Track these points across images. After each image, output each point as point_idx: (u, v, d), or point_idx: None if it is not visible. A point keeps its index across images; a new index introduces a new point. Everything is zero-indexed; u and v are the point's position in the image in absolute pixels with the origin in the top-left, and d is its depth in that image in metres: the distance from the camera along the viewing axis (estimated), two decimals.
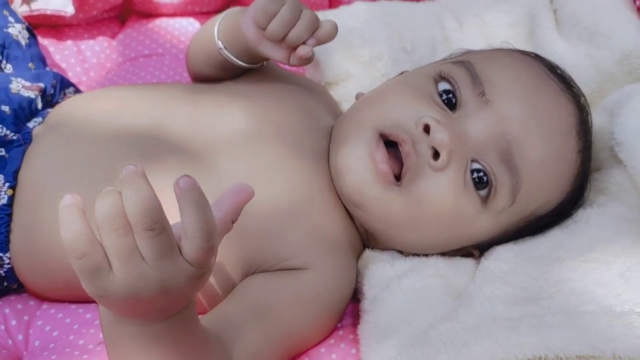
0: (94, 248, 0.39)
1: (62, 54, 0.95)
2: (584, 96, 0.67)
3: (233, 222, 0.45)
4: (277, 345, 0.55)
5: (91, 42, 0.98)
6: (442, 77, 0.62)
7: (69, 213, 0.39)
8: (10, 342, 0.62)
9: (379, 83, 0.77)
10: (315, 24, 0.60)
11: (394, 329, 0.54)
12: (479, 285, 0.56)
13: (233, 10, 0.69)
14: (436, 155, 0.58)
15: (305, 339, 0.58)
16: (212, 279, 0.59)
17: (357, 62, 0.82)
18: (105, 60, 0.97)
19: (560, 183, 0.62)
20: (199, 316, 0.60)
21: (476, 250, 0.65)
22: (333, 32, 0.60)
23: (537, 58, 0.68)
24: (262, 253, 0.59)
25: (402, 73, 0.74)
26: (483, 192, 0.60)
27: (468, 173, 0.59)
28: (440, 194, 0.59)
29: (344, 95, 0.81)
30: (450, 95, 0.61)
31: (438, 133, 0.57)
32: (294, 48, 0.60)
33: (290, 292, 0.57)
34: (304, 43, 0.60)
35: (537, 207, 0.62)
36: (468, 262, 0.64)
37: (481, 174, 0.59)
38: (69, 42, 0.96)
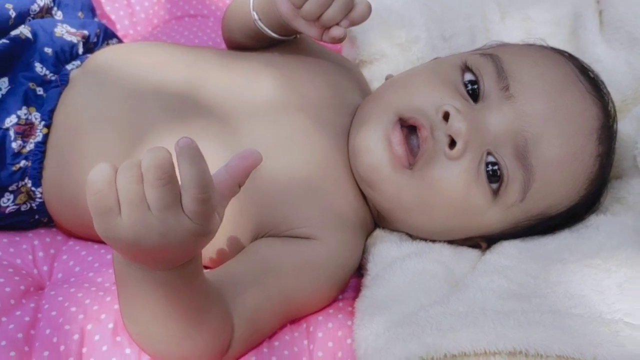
0: (110, 189, 0.42)
1: (113, 5, 0.98)
2: (612, 102, 0.66)
3: (240, 186, 0.48)
4: (276, 305, 0.58)
5: None
6: (468, 68, 0.63)
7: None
8: (35, 271, 0.66)
9: (413, 66, 0.78)
10: (350, 5, 0.60)
11: (388, 307, 0.56)
12: (476, 275, 0.57)
13: None
14: (452, 143, 0.59)
15: (303, 304, 0.60)
16: (223, 239, 0.62)
17: (393, 43, 0.82)
18: (152, 16, 1.00)
19: (575, 185, 0.62)
20: (206, 270, 0.64)
21: (484, 242, 0.66)
22: (366, 14, 0.61)
23: (570, 57, 0.67)
24: (273, 218, 0.61)
25: (435, 59, 0.74)
26: (495, 185, 0.60)
27: (482, 165, 0.60)
28: (452, 182, 0.60)
29: (376, 75, 0.82)
30: (475, 86, 0.62)
31: (456, 122, 0.58)
32: (327, 27, 0.61)
33: (295, 258, 0.60)
34: (337, 24, 0.60)
35: (548, 207, 0.63)
36: (473, 253, 0.65)
37: (495, 167, 0.60)
38: None
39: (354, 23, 0.61)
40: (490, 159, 0.60)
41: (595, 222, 0.64)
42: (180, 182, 0.43)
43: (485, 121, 0.60)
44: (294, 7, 0.61)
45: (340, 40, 0.62)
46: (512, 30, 0.84)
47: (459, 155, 0.59)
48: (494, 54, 0.64)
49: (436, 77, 0.63)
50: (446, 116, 0.59)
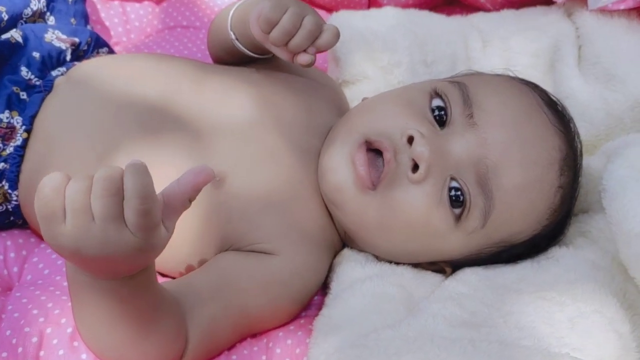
0: (57, 196, 0.43)
1: (108, 12, 1.00)
2: (578, 136, 0.67)
3: (190, 201, 0.49)
4: (233, 318, 0.59)
5: (137, 5, 1.03)
6: (437, 94, 0.64)
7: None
8: (5, 272, 0.67)
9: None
10: (316, 33, 0.60)
11: (342, 327, 0.57)
12: (430, 301, 0.58)
13: (247, 0, 0.71)
14: (415, 167, 0.60)
15: (261, 319, 0.61)
16: (186, 251, 0.63)
17: (376, 66, 0.84)
18: (146, 25, 1.02)
19: (535, 214, 0.63)
20: (167, 279, 0.65)
21: (449, 267, 0.67)
22: (333, 41, 0.62)
23: (536, 88, 0.68)
24: (235, 232, 0.62)
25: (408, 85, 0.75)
26: (457, 210, 0.61)
27: (445, 190, 0.61)
28: (413, 205, 0.61)
29: (357, 96, 0.83)
30: (442, 113, 0.63)
31: (419, 146, 0.59)
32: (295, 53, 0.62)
33: (255, 272, 0.61)
34: (304, 51, 0.61)
35: (509, 235, 0.63)
36: (436, 278, 0.66)
37: (458, 192, 0.61)
38: (116, 2, 1.01)
39: (320, 50, 0.62)
40: (454, 184, 0.61)
41: (557, 254, 0.65)
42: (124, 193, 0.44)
43: (448, 147, 0.61)
44: (263, 33, 0.62)
45: (308, 65, 0.62)
46: (493, 59, 0.85)
47: (421, 178, 0.60)
48: (462, 82, 0.65)
49: (404, 102, 0.64)
50: (410, 140, 0.60)
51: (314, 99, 0.73)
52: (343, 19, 0.87)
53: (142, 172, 0.44)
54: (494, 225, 0.61)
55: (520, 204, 0.62)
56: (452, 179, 0.61)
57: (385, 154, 0.60)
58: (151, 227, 0.45)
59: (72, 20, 0.83)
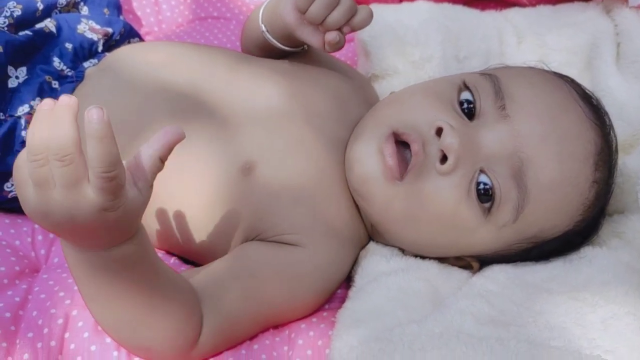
0: (21, 168, 0.45)
1: (140, 2, 1.01)
2: (613, 131, 0.65)
3: (162, 161, 0.48)
4: (253, 308, 0.58)
5: None
6: (466, 86, 0.63)
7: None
8: (33, 254, 0.68)
9: None
10: (353, 9, 0.61)
11: (366, 321, 0.56)
12: (458, 297, 0.57)
13: None
14: (444, 159, 0.59)
15: (283, 310, 0.61)
16: (213, 239, 0.63)
17: (407, 60, 0.83)
18: (177, 15, 1.02)
19: (569, 210, 0.61)
20: (190, 268, 0.65)
21: (476, 263, 0.65)
22: (367, 20, 0.62)
23: (571, 82, 0.66)
24: (263, 222, 0.62)
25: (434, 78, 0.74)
26: (486, 204, 0.60)
27: (474, 182, 0.60)
28: (441, 197, 0.60)
29: (386, 90, 0.82)
30: (471, 105, 0.62)
31: (449, 137, 0.58)
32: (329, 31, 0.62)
33: (278, 263, 0.60)
34: (339, 29, 0.61)
35: (541, 230, 0.62)
36: (463, 274, 0.65)
37: (487, 186, 0.59)
38: None
39: (354, 29, 0.62)
40: (483, 177, 0.60)
41: (590, 254, 0.63)
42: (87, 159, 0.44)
43: (479, 139, 0.60)
44: (299, 12, 0.62)
45: (337, 45, 0.62)
46: (528, 55, 0.83)
47: (449, 170, 0.59)
48: (493, 74, 0.64)
49: (432, 95, 0.63)
50: (439, 132, 0.59)
51: (344, 91, 0.72)
52: (374, 13, 0.85)
53: (105, 136, 0.43)
54: (526, 220, 0.60)
55: (555, 199, 0.60)
56: (482, 171, 0.60)
57: (413, 146, 0.60)
58: (116, 190, 0.44)
59: (105, 10, 0.83)
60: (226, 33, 0.98)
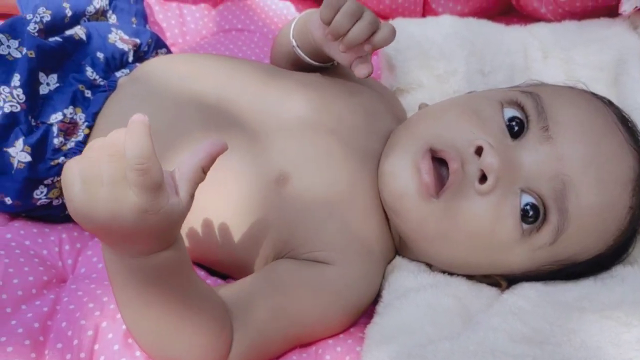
0: (72, 168, 0.46)
1: (165, 14, 1.02)
2: None
3: (204, 172, 0.49)
4: (283, 326, 0.58)
5: (193, 7, 1.04)
6: (511, 103, 0.62)
7: None
8: (60, 263, 0.68)
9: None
10: (375, 26, 0.61)
11: (395, 337, 0.55)
12: (490, 314, 0.56)
13: (310, 11, 0.72)
14: (483, 178, 0.59)
15: (313, 329, 0.60)
16: (244, 251, 0.63)
17: (431, 74, 0.83)
18: (201, 27, 1.03)
19: (605, 234, 0.61)
20: (221, 284, 0.64)
21: (504, 281, 0.65)
22: (390, 38, 0.62)
23: (609, 104, 0.66)
24: (295, 238, 0.62)
25: (470, 93, 0.74)
26: (526, 225, 0.59)
27: (516, 202, 0.59)
28: (479, 217, 0.59)
29: (411, 104, 0.83)
30: (514, 123, 0.61)
31: (489, 157, 0.58)
32: (354, 52, 0.62)
33: (310, 282, 0.60)
34: (361, 44, 0.61)
35: (576, 253, 0.61)
36: (492, 292, 0.64)
37: (528, 206, 0.59)
38: (174, 4, 1.03)
39: (376, 47, 0.62)
40: (527, 198, 0.59)
41: (622, 273, 0.63)
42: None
43: (520, 159, 0.59)
44: (325, 24, 0.62)
45: (366, 74, 0.63)
46: (554, 70, 0.83)
47: (489, 190, 0.58)
48: (534, 92, 0.63)
49: (471, 112, 0.63)
50: (479, 151, 0.59)
51: (373, 104, 0.72)
52: (399, 27, 0.85)
53: (143, 132, 0.45)
54: (563, 243, 0.59)
55: (593, 224, 0.59)
56: (524, 192, 0.59)
57: (451, 164, 0.59)
58: (152, 187, 0.45)
59: (133, 19, 0.84)
60: (250, 45, 0.99)
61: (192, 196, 0.49)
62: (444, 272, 0.66)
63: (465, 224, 0.59)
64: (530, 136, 0.60)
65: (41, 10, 0.73)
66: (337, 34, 0.61)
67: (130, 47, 0.76)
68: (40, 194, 0.69)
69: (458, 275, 0.65)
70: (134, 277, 0.50)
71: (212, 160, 0.49)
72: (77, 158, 0.47)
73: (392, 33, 0.62)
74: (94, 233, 0.50)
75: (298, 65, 0.74)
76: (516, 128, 0.61)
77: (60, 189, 0.70)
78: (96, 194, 0.45)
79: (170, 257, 0.50)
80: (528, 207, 0.59)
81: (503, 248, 0.60)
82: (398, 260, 0.68)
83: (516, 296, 0.59)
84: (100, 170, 0.45)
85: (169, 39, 1.00)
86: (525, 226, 0.59)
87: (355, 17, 0.61)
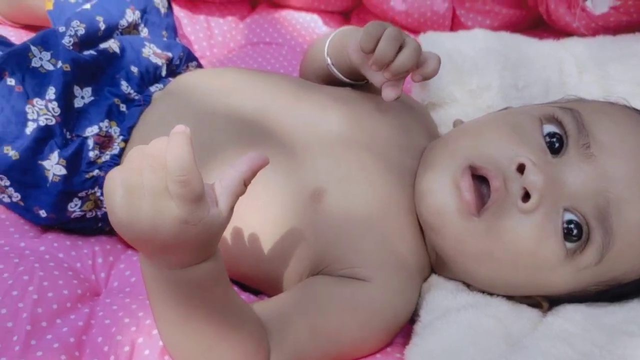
0: (114, 179, 0.46)
1: (194, 27, 1.02)
2: None
3: (246, 185, 0.49)
4: (320, 344, 0.57)
5: (221, 20, 1.04)
6: (550, 120, 0.61)
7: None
8: (93, 277, 0.68)
9: (482, 114, 0.77)
10: (419, 51, 0.61)
11: (438, 359, 0.54)
12: (537, 338, 0.55)
13: (345, 29, 0.72)
14: (526, 197, 0.58)
15: (349, 347, 0.59)
16: (279, 267, 0.62)
17: (464, 89, 0.82)
18: (229, 40, 1.03)
19: None
20: (257, 301, 0.64)
21: (546, 302, 0.64)
22: (437, 67, 0.62)
23: None
24: (330, 254, 0.61)
25: (506, 108, 0.73)
26: (570, 245, 0.58)
27: (559, 221, 0.58)
28: (521, 236, 0.58)
29: (443, 119, 0.82)
30: (555, 139, 0.60)
31: (532, 175, 0.57)
32: (395, 75, 0.61)
33: (347, 299, 0.59)
34: (408, 72, 0.61)
35: (622, 273, 0.60)
36: (533, 313, 0.63)
37: (572, 225, 0.58)
38: (202, 17, 1.03)
39: (426, 78, 0.62)
40: (569, 216, 0.58)
41: None
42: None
43: (563, 177, 0.58)
44: (365, 53, 0.61)
45: (393, 99, 0.62)
46: (590, 86, 0.82)
47: (532, 208, 0.57)
48: (575, 109, 0.62)
49: (511, 128, 0.62)
50: (521, 168, 0.58)
51: (406, 119, 0.72)
52: (431, 41, 0.86)
53: (184, 144, 0.44)
54: (608, 263, 0.58)
55: (639, 242, 0.58)
56: (567, 210, 0.58)
57: (493, 182, 0.58)
58: (193, 198, 0.45)
59: (164, 33, 0.84)
60: (278, 58, 0.99)
61: (232, 209, 0.49)
62: (482, 291, 0.64)
63: (507, 243, 0.58)
64: (571, 153, 0.60)
65: (75, 23, 0.74)
66: (382, 63, 0.60)
67: (164, 61, 0.76)
68: (74, 207, 0.69)
69: (498, 295, 0.64)
70: (172, 290, 0.50)
71: (253, 174, 0.49)
72: (118, 168, 0.47)
73: (439, 62, 0.62)
74: (133, 244, 0.49)
75: (330, 81, 0.74)
76: (556, 145, 0.60)
77: (94, 201, 0.70)
78: (138, 205, 0.45)
79: (209, 270, 0.50)
80: (572, 225, 0.58)
81: (546, 268, 0.59)
82: (434, 278, 0.67)
83: (561, 319, 0.58)
84: (142, 181, 0.45)
85: (196, 51, 1.00)
86: (569, 245, 0.58)
87: (398, 44, 0.59)
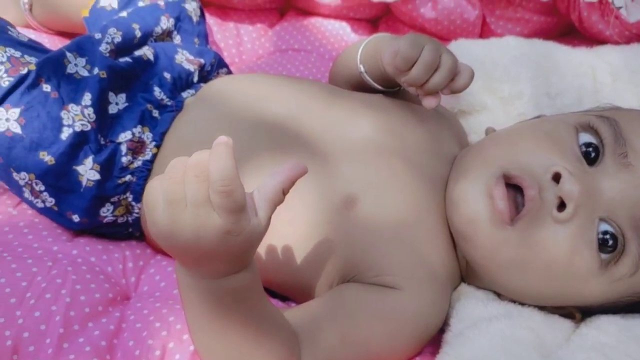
0: (155, 189, 0.46)
1: (223, 34, 1.03)
2: None
3: (284, 193, 0.49)
4: (350, 352, 0.57)
5: (250, 27, 1.05)
6: (586, 128, 0.60)
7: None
8: (123, 281, 0.69)
9: (514, 122, 0.76)
10: (454, 70, 0.61)
11: None
12: (572, 350, 0.54)
13: (379, 37, 0.72)
14: (561, 206, 0.57)
15: (379, 356, 0.59)
16: (310, 274, 0.62)
17: (496, 96, 0.81)
18: (258, 47, 1.04)
19: None
20: (287, 307, 0.64)
21: (578, 313, 0.63)
22: (469, 82, 0.62)
23: None
24: (361, 262, 0.61)
25: (539, 116, 0.72)
26: (605, 255, 0.57)
27: (595, 232, 0.57)
28: (556, 246, 0.57)
29: (473, 126, 0.81)
30: (590, 149, 0.59)
31: (568, 184, 0.56)
32: (428, 94, 0.62)
33: (378, 307, 0.59)
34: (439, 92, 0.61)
35: None
36: (566, 324, 0.62)
37: (607, 236, 0.57)
38: (231, 25, 1.04)
39: (455, 92, 0.62)
40: (605, 227, 0.57)
41: None
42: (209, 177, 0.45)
43: (600, 186, 0.57)
44: (400, 72, 0.62)
45: (434, 107, 0.63)
46: (624, 94, 0.80)
47: (567, 218, 0.56)
48: (612, 117, 0.61)
49: (546, 136, 0.61)
50: (556, 177, 0.57)
51: (437, 126, 0.71)
52: (463, 48, 0.85)
53: (227, 154, 0.45)
54: None
55: None
56: (602, 220, 0.57)
57: (528, 191, 0.58)
58: (235, 209, 0.45)
59: (196, 39, 0.85)
60: (307, 65, 0.99)
61: (270, 218, 0.49)
62: (514, 301, 0.63)
63: (541, 253, 0.58)
64: (607, 163, 0.59)
65: (112, 31, 0.75)
66: (415, 84, 0.61)
67: (196, 67, 0.77)
68: (106, 212, 0.69)
69: (529, 305, 0.63)
70: (208, 299, 0.50)
71: (292, 183, 0.49)
72: (159, 178, 0.47)
73: (471, 77, 0.62)
74: (172, 253, 0.50)
75: (360, 87, 0.73)
76: (592, 154, 0.60)
77: (126, 206, 0.70)
78: (180, 216, 0.45)
79: (246, 279, 0.50)
80: (608, 236, 0.57)
81: (580, 279, 0.58)
82: (464, 287, 0.66)
83: (595, 330, 0.57)
84: (184, 191, 0.45)
85: (225, 58, 1.01)
86: (603, 256, 0.57)
87: (434, 68, 0.60)
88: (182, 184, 0.45)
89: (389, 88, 0.72)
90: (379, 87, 0.71)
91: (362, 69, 0.70)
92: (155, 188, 0.46)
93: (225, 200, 0.44)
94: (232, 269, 0.49)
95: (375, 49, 0.68)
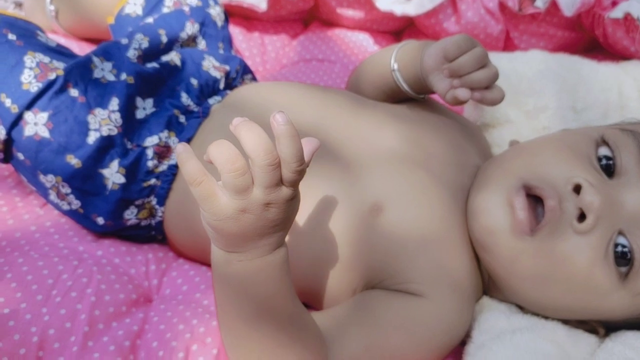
0: (204, 183, 0.47)
1: (248, 43, 1.04)
2: None
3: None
4: (374, 356, 0.57)
5: (274, 37, 1.06)
6: (605, 142, 0.60)
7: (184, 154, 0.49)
8: (146, 283, 0.69)
9: (538, 135, 0.76)
10: (495, 78, 0.64)
11: None
12: None
13: (414, 41, 0.73)
14: (582, 217, 0.57)
15: None
16: (335, 280, 0.62)
17: (520, 110, 0.81)
18: (282, 57, 1.05)
19: None
20: (313, 312, 0.64)
21: (602, 328, 0.62)
22: (499, 99, 0.64)
23: None
24: (387, 268, 0.61)
25: (564, 130, 0.72)
26: (623, 269, 0.57)
27: (612, 244, 0.57)
28: (576, 257, 0.57)
29: (497, 140, 0.81)
30: (610, 162, 0.59)
31: (589, 195, 0.56)
32: (462, 87, 0.63)
33: (403, 314, 0.59)
34: (474, 90, 0.63)
35: None
36: (590, 339, 0.61)
37: (625, 249, 0.57)
38: (256, 34, 1.06)
39: (483, 101, 0.64)
40: (621, 239, 0.57)
41: None
42: (280, 156, 0.47)
43: (621, 198, 0.57)
44: (445, 59, 0.63)
45: (461, 102, 0.64)
46: None
47: (588, 229, 0.56)
48: (635, 131, 0.61)
49: (567, 148, 0.61)
50: (577, 189, 0.57)
51: (460, 138, 0.72)
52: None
53: (295, 135, 0.46)
54: None
55: None
56: (620, 233, 0.57)
57: (548, 201, 0.57)
58: (298, 182, 0.48)
59: (220, 44, 0.86)
60: (331, 75, 1.00)
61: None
62: (536, 314, 0.63)
63: (561, 264, 0.57)
64: (630, 175, 0.58)
65: (139, 36, 0.76)
66: (456, 74, 0.63)
67: (222, 74, 0.78)
68: (130, 215, 0.70)
69: (553, 319, 0.62)
70: (242, 285, 0.50)
71: (311, 157, 0.50)
72: (195, 175, 0.48)
73: (503, 97, 0.64)
74: (233, 234, 0.49)
75: (386, 92, 0.74)
76: (609, 167, 0.60)
77: (149, 210, 0.71)
78: (252, 197, 0.47)
79: (283, 254, 0.51)
80: (619, 248, 0.56)
81: (600, 292, 0.57)
82: (486, 300, 0.66)
83: (621, 345, 0.56)
84: (258, 176, 0.46)
85: (249, 66, 1.02)
86: (622, 270, 0.57)
87: (481, 64, 0.63)
88: (247, 174, 0.46)
89: (415, 92, 0.72)
90: (406, 87, 0.72)
91: (395, 66, 0.71)
92: (203, 182, 0.47)
93: (300, 176, 0.47)
94: (276, 242, 0.50)
95: (415, 47, 0.69)
